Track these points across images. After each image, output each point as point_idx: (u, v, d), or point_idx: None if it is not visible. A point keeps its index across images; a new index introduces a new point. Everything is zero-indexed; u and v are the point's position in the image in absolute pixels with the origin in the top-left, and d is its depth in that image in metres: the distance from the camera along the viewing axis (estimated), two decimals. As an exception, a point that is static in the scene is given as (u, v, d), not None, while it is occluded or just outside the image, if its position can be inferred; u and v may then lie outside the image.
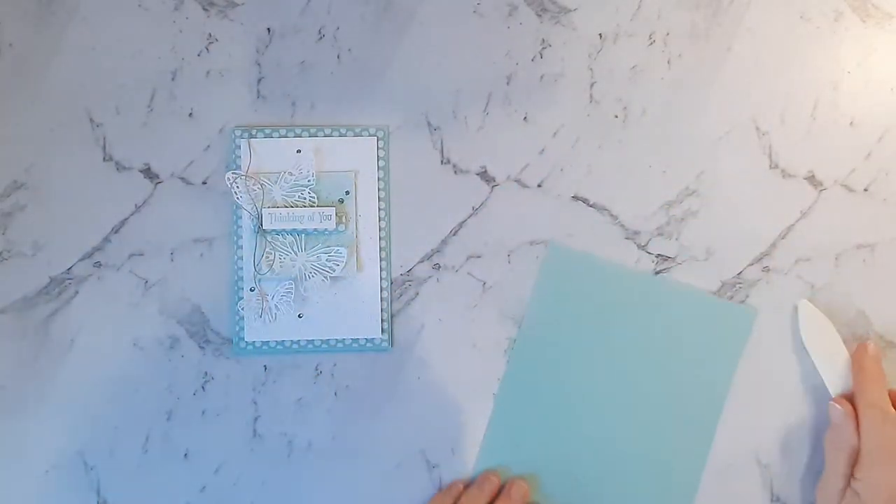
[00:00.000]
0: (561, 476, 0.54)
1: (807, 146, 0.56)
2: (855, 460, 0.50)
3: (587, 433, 0.54)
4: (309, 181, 0.54)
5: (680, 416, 0.54)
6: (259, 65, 0.55)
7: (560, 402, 0.54)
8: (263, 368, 0.55)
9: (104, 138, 0.55)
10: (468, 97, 0.56)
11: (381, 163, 0.55)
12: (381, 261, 0.55)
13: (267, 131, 0.55)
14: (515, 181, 0.56)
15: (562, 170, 0.56)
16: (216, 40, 0.55)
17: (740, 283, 0.56)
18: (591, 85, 0.56)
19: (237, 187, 0.54)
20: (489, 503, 0.53)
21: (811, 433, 0.55)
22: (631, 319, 0.55)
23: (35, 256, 0.54)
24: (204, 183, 0.55)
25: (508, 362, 0.55)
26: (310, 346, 0.54)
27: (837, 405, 0.51)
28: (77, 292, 0.54)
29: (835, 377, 0.53)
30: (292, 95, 0.55)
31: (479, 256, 0.55)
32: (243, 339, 0.54)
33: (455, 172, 0.56)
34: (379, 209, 0.55)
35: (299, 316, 0.54)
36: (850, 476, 0.50)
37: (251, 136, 0.54)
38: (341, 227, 0.54)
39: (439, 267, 0.55)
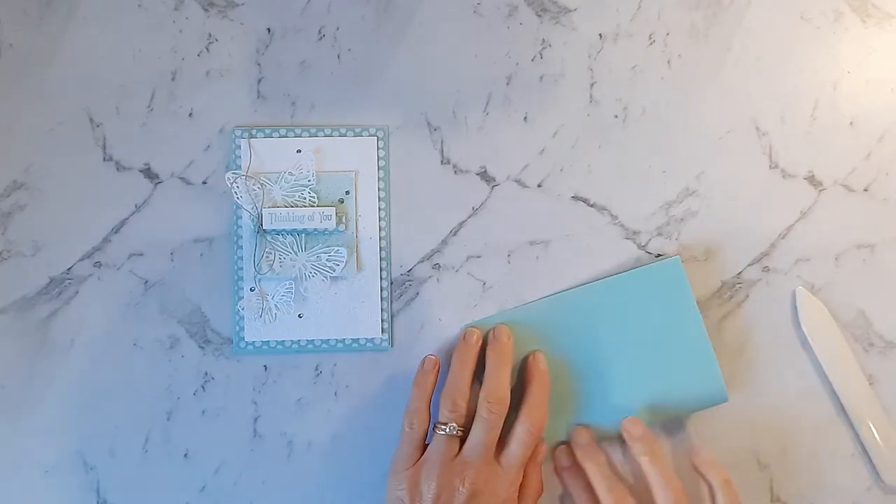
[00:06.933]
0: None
1: (807, 146, 0.56)
2: None
3: (592, 413, 0.54)
4: (309, 181, 0.54)
5: (679, 378, 0.54)
6: (259, 65, 0.55)
7: (559, 392, 0.54)
8: (263, 368, 0.55)
9: (104, 138, 0.55)
10: (468, 97, 0.56)
11: (381, 163, 0.55)
12: (381, 261, 0.55)
13: (267, 131, 0.55)
14: (515, 181, 0.56)
15: (562, 170, 0.56)
16: (216, 40, 0.55)
17: (740, 283, 0.56)
18: (591, 85, 0.56)
19: (237, 187, 0.54)
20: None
21: (811, 433, 0.55)
22: (585, 332, 0.54)
23: (35, 256, 0.54)
24: (204, 183, 0.55)
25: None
26: (310, 346, 0.54)
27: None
28: (77, 292, 0.54)
29: (831, 359, 0.54)
30: (292, 95, 0.55)
31: (479, 256, 0.55)
32: (243, 339, 0.54)
33: (455, 172, 0.56)
34: (379, 209, 0.55)
35: (299, 316, 0.54)
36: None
37: (251, 136, 0.54)
38: (341, 227, 0.54)
39: (439, 267, 0.55)
